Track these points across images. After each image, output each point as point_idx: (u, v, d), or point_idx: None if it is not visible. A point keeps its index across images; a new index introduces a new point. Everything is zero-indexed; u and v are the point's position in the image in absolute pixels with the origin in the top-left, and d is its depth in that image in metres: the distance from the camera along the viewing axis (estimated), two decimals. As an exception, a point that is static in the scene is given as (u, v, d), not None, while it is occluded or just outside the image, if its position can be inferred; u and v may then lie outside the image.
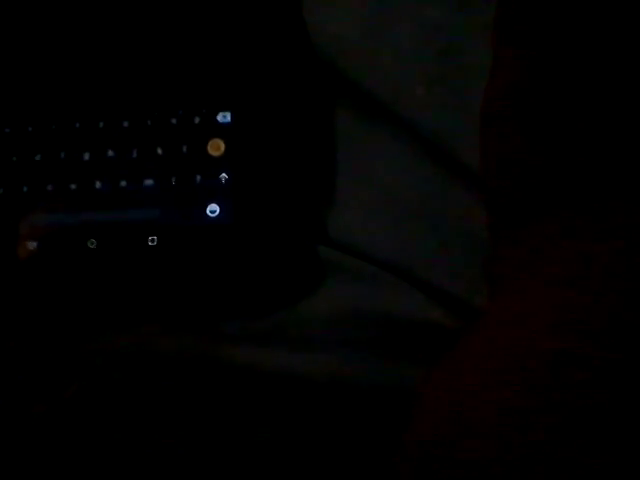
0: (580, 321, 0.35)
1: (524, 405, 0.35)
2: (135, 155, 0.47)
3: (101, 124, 0.47)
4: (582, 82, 0.39)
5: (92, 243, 0.46)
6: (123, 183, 0.47)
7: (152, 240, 0.46)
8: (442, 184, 0.46)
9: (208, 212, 0.46)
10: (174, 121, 0.47)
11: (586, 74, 0.39)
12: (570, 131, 0.39)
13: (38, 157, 0.47)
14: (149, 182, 0.46)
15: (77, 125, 0.47)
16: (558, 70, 0.39)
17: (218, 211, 0.46)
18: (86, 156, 0.47)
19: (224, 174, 0.46)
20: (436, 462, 0.36)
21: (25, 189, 0.47)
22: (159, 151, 0.47)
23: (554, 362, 0.34)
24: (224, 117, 0.46)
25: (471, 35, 0.47)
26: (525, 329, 0.37)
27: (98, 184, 0.47)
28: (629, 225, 0.37)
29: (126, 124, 0.47)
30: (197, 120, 0.47)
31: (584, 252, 0.36)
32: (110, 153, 0.47)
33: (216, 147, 0.46)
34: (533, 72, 0.40)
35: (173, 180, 0.46)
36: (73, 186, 0.47)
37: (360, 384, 0.45)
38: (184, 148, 0.46)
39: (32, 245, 0.46)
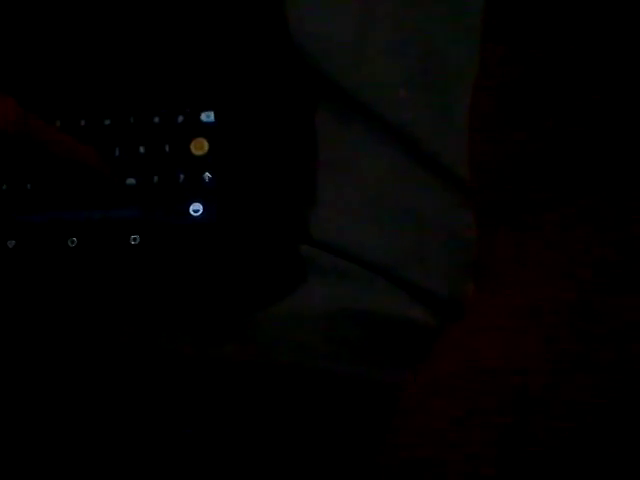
0: (568, 313, 0.36)
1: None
2: (117, 153, 0.47)
3: (82, 122, 0.47)
4: (570, 79, 0.40)
5: (72, 242, 0.46)
6: (105, 181, 0.46)
7: (134, 239, 0.45)
8: (424, 184, 0.47)
9: (191, 211, 0.46)
10: (157, 120, 0.47)
11: (574, 71, 0.40)
12: (559, 126, 0.39)
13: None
14: (131, 181, 0.46)
15: (58, 123, 0.47)
16: (547, 68, 0.40)
17: (201, 210, 0.46)
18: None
19: (207, 173, 0.46)
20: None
21: (4, 187, 0.46)
22: (141, 150, 0.46)
23: (545, 352, 0.35)
24: (208, 116, 0.46)
25: (454, 37, 0.47)
26: (515, 321, 0.38)
27: None
28: (618, 221, 0.38)
29: (108, 122, 0.47)
30: (180, 119, 0.46)
31: (573, 246, 0.37)
32: (91, 151, 0.47)
33: (199, 146, 0.46)
34: (520, 68, 0.41)
35: (155, 179, 0.46)
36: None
37: (341, 381, 0.45)
38: (167, 147, 0.46)
39: (10, 243, 0.46)
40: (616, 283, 0.36)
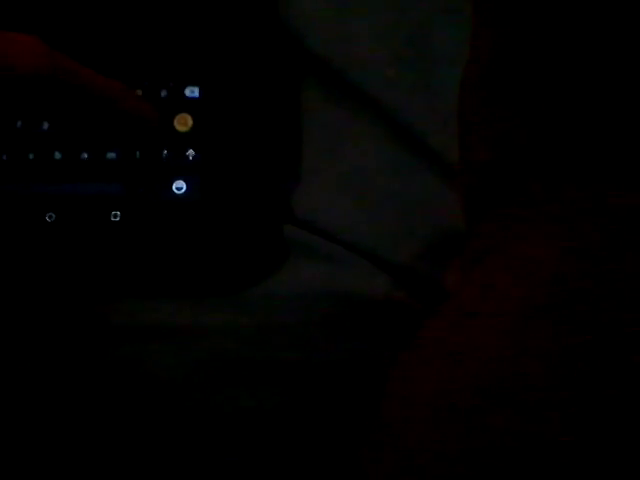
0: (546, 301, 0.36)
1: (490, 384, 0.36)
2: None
3: (61, 92, 0.45)
4: (562, 65, 0.39)
5: (50, 217, 0.45)
6: (84, 155, 0.45)
7: (115, 215, 0.45)
8: (409, 166, 0.47)
9: (174, 189, 0.45)
10: (139, 93, 0.45)
11: (566, 58, 0.39)
12: (548, 113, 0.39)
13: (-7, 125, 0.45)
14: (112, 155, 0.45)
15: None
16: (536, 52, 0.40)
17: (184, 188, 0.45)
18: (45, 125, 0.45)
19: (191, 150, 0.45)
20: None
21: None
22: None
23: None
24: (192, 92, 0.45)
25: (443, 19, 0.47)
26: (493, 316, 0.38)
27: (57, 155, 0.45)
28: (593, 211, 0.38)
29: (88, 94, 0.45)
30: (164, 94, 0.45)
31: (550, 234, 0.37)
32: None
33: (183, 122, 0.45)
34: (511, 53, 0.41)
35: (138, 154, 0.45)
36: (31, 156, 0.45)
37: (323, 363, 0.45)
38: (149, 122, 0.45)
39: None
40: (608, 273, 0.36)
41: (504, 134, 0.40)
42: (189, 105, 0.45)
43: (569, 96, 0.40)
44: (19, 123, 0.45)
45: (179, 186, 0.45)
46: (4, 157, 0.45)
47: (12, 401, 0.44)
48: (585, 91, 0.39)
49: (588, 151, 0.39)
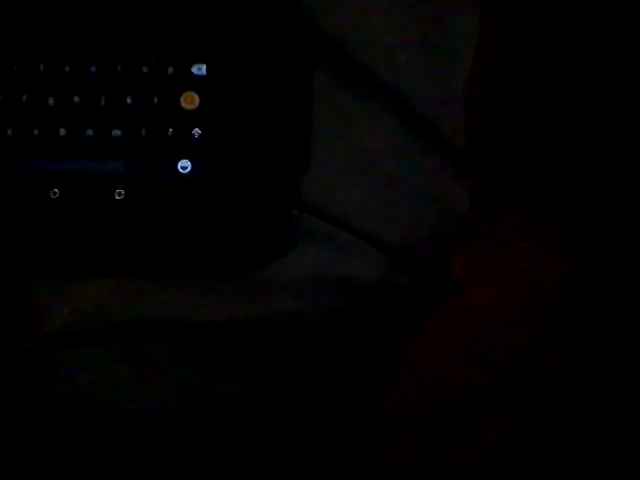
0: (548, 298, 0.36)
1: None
2: (103, 103, 0.45)
3: (67, 67, 0.45)
4: (565, 52, 0.39)
5: (54, 193, 0.44)
6: (89, 132, 0.45)
7: (119, 193, 0.44)
8: (419, 153, 0.46)
9: (179, 168, 0.44)
10: (146, 70, 0.45)
11: (570, 43, 0.39)
12: (554, 101, 0.38)
13: (-2, 99, 0.45)
14: (117, 132, 0.45)
15: (41, 67, 0.45)
16: (543, 40, 0.39)
17: (190, 167, 0.44)
18: (50, 101, 0.45)
19: (197, 129, 0.44)
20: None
21: None
22: (128, 100, 0.45)
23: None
24: (199, 69, 0.45)
25: (456, 3, 0.46)
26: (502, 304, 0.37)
27: (62, 131, 0.45)
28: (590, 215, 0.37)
29: (94, 69, 0.45)
30: (171, 71, 0.45)
31: (571, 226, 0.37)
32: (76, 99, 0.45)
33: (190, 100, 0.45)
34: (517, 41, 0.40)
35: (143, 132, 0.44)
36: (35, 132, 0.44)
37: (324, 352, 0.44)
38: (155, 99, 0.45)
39: (-11, 191, 0.44)
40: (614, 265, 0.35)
41: (509, 124, 0.39)
42: (196, 83, 0.44)
43: (573, 83, 0.39)
44: (24, 98, 0.45)
45: (184, 165, 0.44)
46: (9, 132, 0.45)
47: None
48: (588, 77, 0.38)
49: (590, 152, 0.38)
